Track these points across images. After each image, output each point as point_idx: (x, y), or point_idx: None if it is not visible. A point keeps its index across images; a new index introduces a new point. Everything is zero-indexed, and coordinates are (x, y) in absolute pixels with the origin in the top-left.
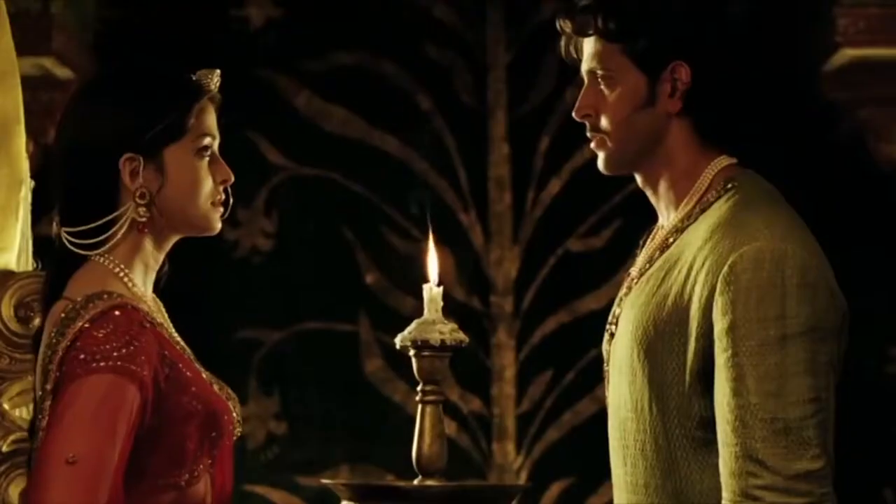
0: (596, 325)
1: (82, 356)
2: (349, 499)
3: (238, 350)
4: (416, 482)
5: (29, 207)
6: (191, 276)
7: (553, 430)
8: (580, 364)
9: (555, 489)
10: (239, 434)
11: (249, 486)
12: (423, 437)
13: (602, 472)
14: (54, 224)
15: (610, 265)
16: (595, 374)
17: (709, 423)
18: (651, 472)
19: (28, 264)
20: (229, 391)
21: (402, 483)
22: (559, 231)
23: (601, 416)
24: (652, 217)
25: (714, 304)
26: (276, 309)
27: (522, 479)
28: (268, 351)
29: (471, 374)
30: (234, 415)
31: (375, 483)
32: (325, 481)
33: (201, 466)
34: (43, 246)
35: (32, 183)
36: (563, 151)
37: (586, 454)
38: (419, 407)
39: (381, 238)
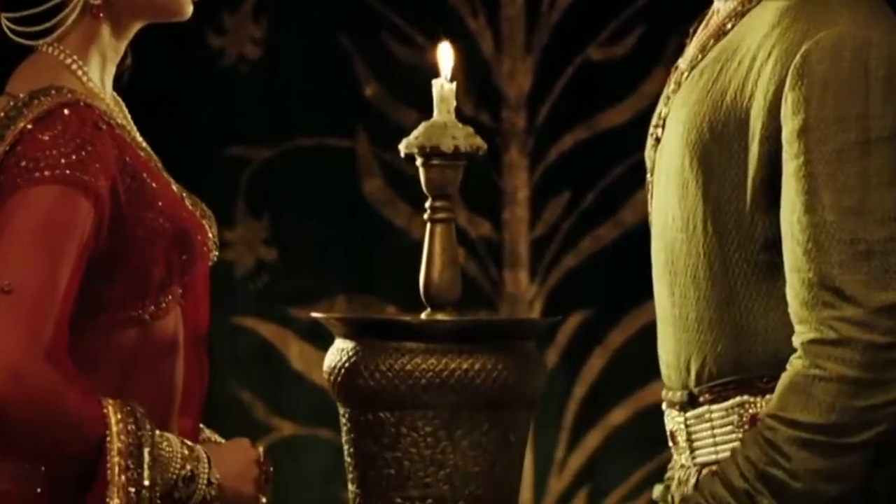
0: (618, 142)
1: (24, 163)
2: (345, 335)
3: (223, 169)
4: (423, 316)
5: None
6: (170, 87)
7: (570, 256)
8: (600, 185)
9: (572, 322)
10: (215, 259)
11: (236, 319)
12: (432, 262)
13: (625, 303)
14: None
15: (633, 75)
16: (617, 196)
17: (774, 245)
18: (704, 304)
19: None
20: (204, 207)
21: (407, 317)
22: (578, 38)
23: (623, 242)
24: (683, 20)
25: (783, 101)
26: (265, 124)
27: (536, 311)
28: (256, 170)
29: (480, 196)
30: (210, 236)
31: (376, 317)
32: (316, 315)
33: (170, 297)
34: None
35: None
36: None
37: (607, 283)
38: (427, 227)
39: (381, 45)
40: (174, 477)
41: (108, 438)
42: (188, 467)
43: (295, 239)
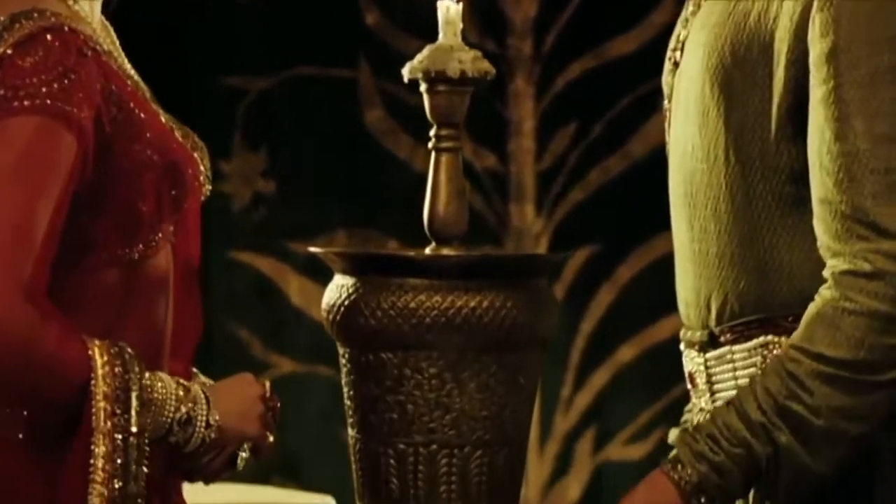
0: (626, 72)
1: (2, 92)
2: (344, 271)
3: (220, 100)
4: (428, 250)
5: None
6: (165, 15)
7: (577, 189)
8: (609, 115)
9: (579, 257)
10: (208, 193)
11: (233, 254)
12: (437, 194)
13: (633, 238)
14: None
15: (643, 4)
16: (626, 127)
17: (801, 177)
18: (726, 239)
19: None
20: (195, 139)
21: (410, 252)
22: None
23: (632, 175)
24: None
25: (810, 22)
26: (263, 52)
27: (542, 245)
28: (254, 100)
29: (485, 127)
30: (202, 169)
31: (377, 251)
32: (314, 250)
33: (160, 235)
34: None
35: None
36: None
37: (615, 217)
38: (433, 157)
39: None
40: (168, 420)
41: (92, 382)
42: (183, 409)
43: (293, 171)
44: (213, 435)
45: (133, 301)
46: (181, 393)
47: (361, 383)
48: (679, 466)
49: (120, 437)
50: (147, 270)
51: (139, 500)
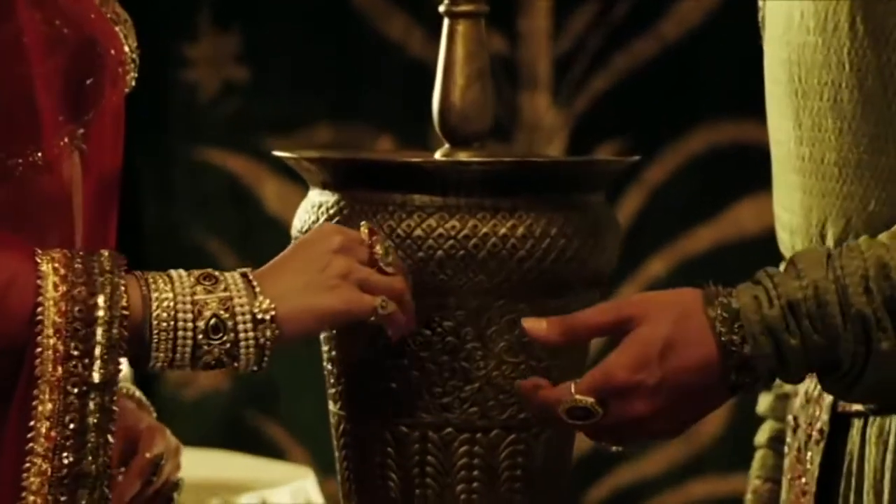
0: None
1: None
2: (323, 183)
3: None
4: (438, 155)
5: None
6: None
7: (600, 77)
8: None
9: (600, 151)
10: (133, 84)
11: (200, 152)
12: (450, 76)
13: (665, 133)
14: None
15: None
16: (656, 2)
17: None
18: (850, 141)
19: None
20: (117, 8)
21: (414, 157)
22: None
23: (663, 59)
24: None
25: None
26: None
27: (560, 143)
28: None
29: (490, 2)
30: (127, 51)
31: (369, 156)
32: (281, 154)
33: (64, 140)
34: None
35: None
36: None
37: (644, 110)
38: (446, 25)
39: None
40: (187, 338)
41: (40, 308)
42: (207, 312)
43: (271, 55)
44: (268, 334)
45: (24, 227)
46: (200, 289)
47: (348, 342)
48: (735, 326)
49: (75, 389)
50: (42, 186)
51: (101, 487)
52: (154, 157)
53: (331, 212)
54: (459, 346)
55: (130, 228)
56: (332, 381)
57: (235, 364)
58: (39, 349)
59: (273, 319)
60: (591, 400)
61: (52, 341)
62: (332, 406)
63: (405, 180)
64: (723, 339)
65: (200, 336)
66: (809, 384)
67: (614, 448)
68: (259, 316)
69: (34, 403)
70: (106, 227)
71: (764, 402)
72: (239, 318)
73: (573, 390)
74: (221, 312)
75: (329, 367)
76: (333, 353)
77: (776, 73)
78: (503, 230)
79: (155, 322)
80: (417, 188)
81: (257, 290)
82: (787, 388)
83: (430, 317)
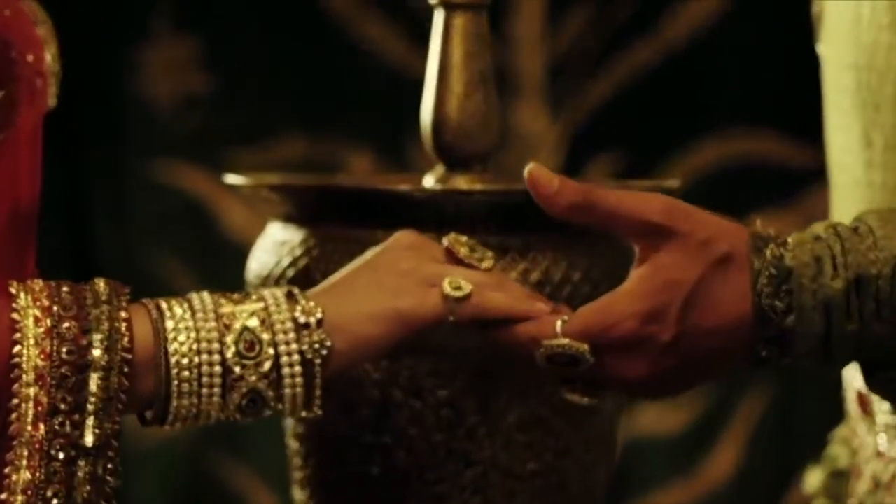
0: None
1: None
2: (288, 217)
3: None
4: (430, 179)
5: None
6: None
7: (601, 82)
8: None
9: (600, 169)
10: (55, 100)
11: (158, 165)
12: (445, 83)
13: (668, 142)
14: None
15: None
16: (657, 2)
17: None
18: None
19: None
20: (35, 7)
21: (402, 184)
22: None
23: (667, 63)
24: None
25: None
26: None
27: (554, 156)
28: None
29: None
30: (48, 58)
31: (346, 184)
32: (235, 181)
33: None
34: None
35: None
36: None
37: (646, 118)
38: (440, 21)
39: None
40: (215, 367)
41: (16, 349)
42: (236, 326)
43: (237, 61)
44: (315, 339)
45: None
46: (226, 301)
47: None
48: (782, 290)
49: (61, 454)
50: None
51: None
52: (106, 176)
53: (296, 252)
54: (458, 420)
55: (81, 254)
56: (297, 462)
57: (279, 398)
58: (16, 401)
59: (320, 324)
60: (585, 347)
61: (32, 391)
62: (297, 494)
63: (389, 213)
64: (763, 301)
65: (230, 356)
66: (878, 466)
67: (586, 401)
68: (301, 320)
69: (7, 471)
70: (22, 266)
71: (814, 479)
72: (277, 326)
73: (559, 329)
74: (254, 324)
75: (294, 444)
76: (300, 430)
77: (839, 81)
78: (513, 275)
79: (174, 360)
80: (405, 222)
81: (298, 297)
82: (843, 463)
83: (420, 384)
